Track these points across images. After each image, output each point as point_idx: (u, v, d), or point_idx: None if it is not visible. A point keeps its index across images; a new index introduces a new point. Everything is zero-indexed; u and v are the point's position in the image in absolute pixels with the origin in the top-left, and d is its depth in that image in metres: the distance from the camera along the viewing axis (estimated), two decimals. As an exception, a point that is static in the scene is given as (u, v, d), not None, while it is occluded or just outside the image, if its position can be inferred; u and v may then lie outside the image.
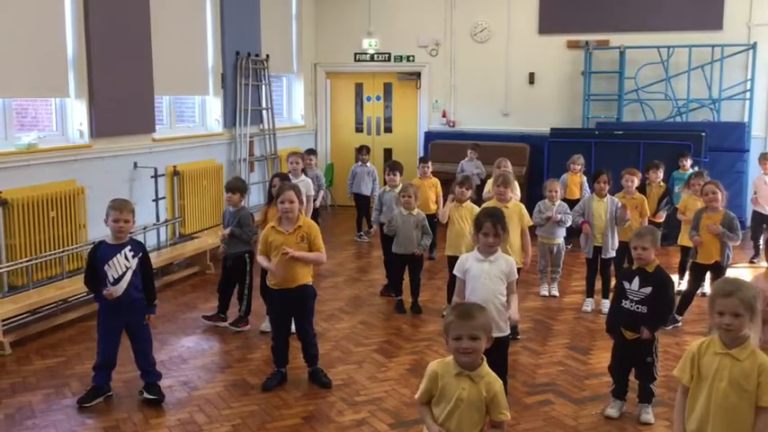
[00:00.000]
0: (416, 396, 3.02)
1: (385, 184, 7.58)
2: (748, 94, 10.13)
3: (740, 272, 7.84)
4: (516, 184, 6.07)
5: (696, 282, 6.18)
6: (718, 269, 6.01)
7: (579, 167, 8.53)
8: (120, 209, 4.51)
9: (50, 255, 6.45)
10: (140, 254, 4.62)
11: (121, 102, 7.38)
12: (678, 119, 10.33)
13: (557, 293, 7.11)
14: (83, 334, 5.86)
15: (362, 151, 9.92)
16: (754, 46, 9.95)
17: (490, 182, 7.95)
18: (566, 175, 8.68)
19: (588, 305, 6.66)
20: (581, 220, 6.59)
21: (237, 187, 6.13)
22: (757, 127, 10.20)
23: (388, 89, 12.24)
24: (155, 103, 7.99)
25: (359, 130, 12.43)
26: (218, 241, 6.32)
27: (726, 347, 2.96)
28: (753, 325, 2.96)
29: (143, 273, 4.63)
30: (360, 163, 9.82)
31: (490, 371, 2.95)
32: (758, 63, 10.02)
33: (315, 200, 8.14)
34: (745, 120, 10.12)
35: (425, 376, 2.98)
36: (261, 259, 4.86)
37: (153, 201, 7.80)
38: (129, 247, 4.57)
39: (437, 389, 2.93)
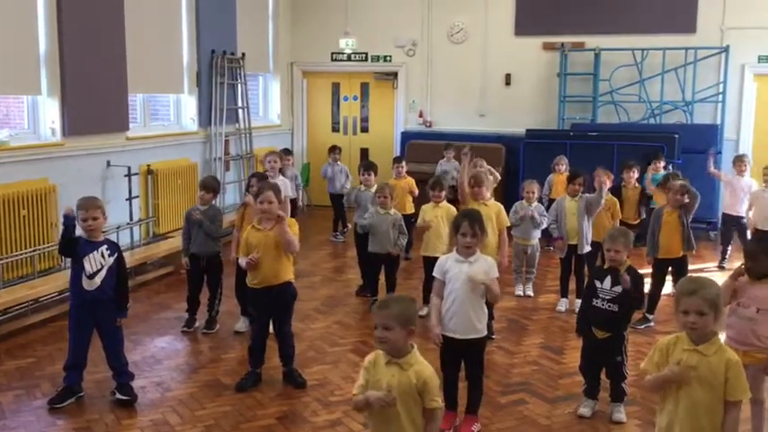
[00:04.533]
0: (354, 391, 2.96)
1: (360, 183, 7.58)
2: (721, 97, 10.24)
3: (710, 275, 7.95)
4: (490, 181, 6.08)
5: (659, 278, 6.23)
6: (680, 264, 6.09)
7: (564, 167, 8.61)
8: (86, 207, 4.47)
9: (21, 254, 6.37)
10: (116, 254, 4.60)
11: (94, 99, 7.29)
12: (652, 121, 10.44)
13: (531, 293, 7.15)
14: (54, 334, 5.78)
15: (335, 150, 9.89)
16: (726, 49, 10.08)
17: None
18: (551, 175, 8.80)
19: (562, 305, 6.71)
20: (556, 234, 6.66)
21: (212, 187, 6.08)
22: (729, 129, 10.33)
23: (364, 89, 12.24)
24: (128, 101, 7.91)
25: (335, 129, 12.41)
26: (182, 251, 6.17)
27: (693, 344, 3.00)
28: (718, 323, 3.01)
29: (117, 274, 4.60)
30: (331, 162, 9.78)
31: (421, 360, 2.96)
32: (731, 66, 10.14)
33: (295, 200, 8.12)
34: (718, 122, 10.25)
35: (362, 368, 2.98)
36: (241, 260, 4.85)
37: (126, 200, 7.72)
38: (105, 246, 4.56)
39: (371, 379, 2.94)
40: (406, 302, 3.03)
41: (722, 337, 3.36)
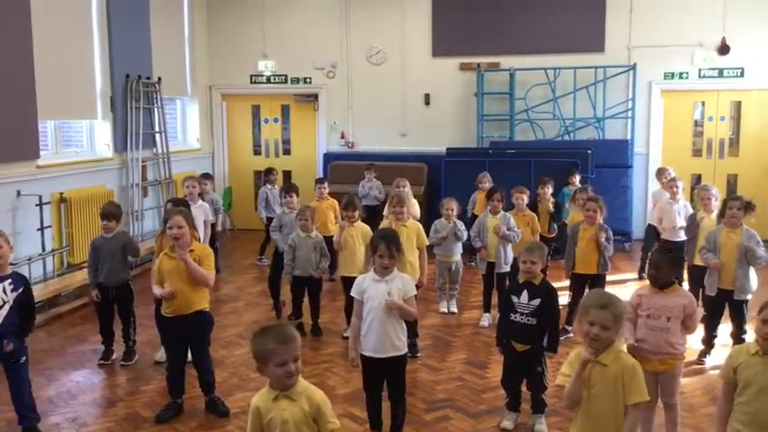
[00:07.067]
0: None
1: (282, 207, 7.52)
2: (630, 113, 10.65)
3: (627, 285, 8.19)
4: (414, 201, 6.14)
5: (577, 292, 6.35)
6: (596, 279, 6.23)
7: (488, 184, 8.74)
8: None
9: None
10: (21, 288, 4.39)
11: (2, 127, 7.01)
12: (566, 137, 10.75)
13: (455, 310, 7.22)
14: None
15: (272, 173, 9.74)
16: (633, 67, 10.50)
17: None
18: (476, 192, 8.92)
19: (485, 320, 6.80)
20: (479, 245, 6.76)
21: (113, 214, 5.83)
22: (639, 144, 10.74)
23: (285, 111, 12.20)
24: (39, 128, 7.65)
25: (257, 152, 12.32)
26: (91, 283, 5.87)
27: (595, 356, 3.08)
28: (617, 336, 3.11)
29: (23, 307, 4.39)
30: (269, 185, 9.63)
31: (308, 385, 2.92)
32: (638, 83, 10.56)
33: (215, 225, 7.99)
34: (628, 137, 10.64)
35: (249, 415, 2.87)
36: (155, 288, 4.72)
37: (38, 230, 7.45)
38: (9, 281, 4.35)
39: (263, 423, 2.84)
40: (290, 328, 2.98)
41: (623, 347, 3.43)
